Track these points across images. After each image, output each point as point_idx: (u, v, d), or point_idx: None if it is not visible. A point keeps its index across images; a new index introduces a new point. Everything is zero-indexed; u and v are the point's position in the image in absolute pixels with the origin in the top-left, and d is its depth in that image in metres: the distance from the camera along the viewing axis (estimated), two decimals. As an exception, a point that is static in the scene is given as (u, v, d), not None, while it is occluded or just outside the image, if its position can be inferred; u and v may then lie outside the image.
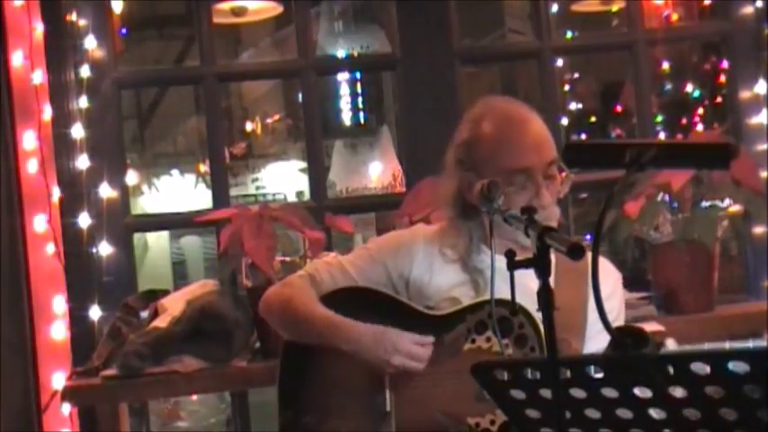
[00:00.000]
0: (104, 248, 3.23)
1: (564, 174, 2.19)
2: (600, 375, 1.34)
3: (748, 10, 3.60)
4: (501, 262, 1.94)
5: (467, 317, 2.13)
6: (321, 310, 2.21)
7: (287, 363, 2.26)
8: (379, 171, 9.03)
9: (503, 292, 1.84)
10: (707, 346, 1.99)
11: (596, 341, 2.12)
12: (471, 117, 2.25)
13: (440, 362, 2.12)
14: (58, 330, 3.11)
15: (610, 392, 1.34)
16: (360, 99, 9.93)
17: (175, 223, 4.91)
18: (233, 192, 7.63)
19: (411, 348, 2.10)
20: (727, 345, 1.99)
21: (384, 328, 2.13)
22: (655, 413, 1.33)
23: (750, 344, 1.96)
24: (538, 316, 1.49)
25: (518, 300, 1.73)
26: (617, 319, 2.25)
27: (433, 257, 2.25)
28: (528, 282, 1.66)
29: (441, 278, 2.23)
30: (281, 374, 2.26)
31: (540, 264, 1.48)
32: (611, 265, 2.34)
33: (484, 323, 2.11)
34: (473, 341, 2.12)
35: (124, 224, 3.38)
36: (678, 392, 1.29)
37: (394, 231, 2.50)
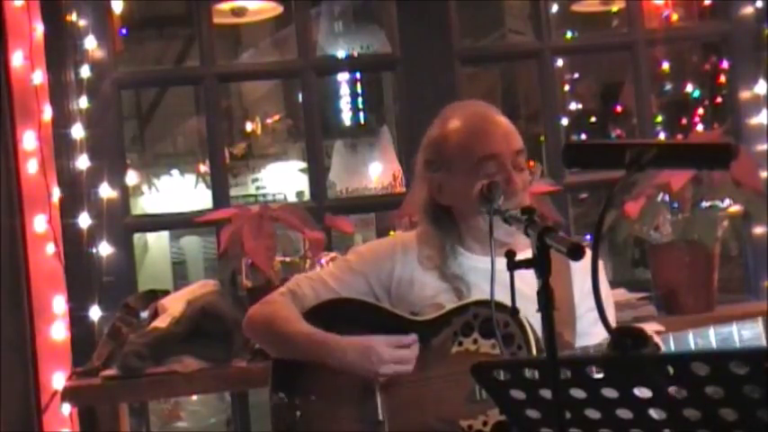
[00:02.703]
0: (104, 248, 3.23)
1: (532, 163, 2.22)
2: (600, 375, 1.34)
3: (748, 10, 3.60)
4: (484, 263, 1.95)
5: (452, 320, 2.13)
6: (304, 327, 2.21)
7: (277, 378, 2.26)
8: (379, 171, 9.02)
9: (487, 293, 1.85)
10: (691, 334, 1.99)
11: (590, 337, 2.13)
12: (438, 119, 2.27)
13: (429, 366, 2.12)
14: (58, 330, 3.11)
15: (610, 392, 1.34)
16: (360, 99, 9.92)
17: (175, 223, 4.91)
18: (233, 192, 7.62)
19: (396, 353, 2.10)
20: (712, 330, 1.98)
21: (367, 339, 2.12)
22: (655, 413, 1.33)
23: (734, 327, 1.96)
24: (537, 315, 1.48)
25: (506, 298, 1.73)
26: (606, 308, 2.25)
27: (413, 266, 2.24)
28: (508, 278, 1.66)
29: (423, 286, 2.22)
30: (272, 390, 2.25)
31: (540, 264, 1.48)
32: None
33: (470, 325, 2.10)
34: (460, 344, 2.11)
35: (124, 224, 3.38)
36: (678, 392, 1.29)
37: (373, 241, 2.51)
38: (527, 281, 1.56)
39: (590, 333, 2.14)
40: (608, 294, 2.33)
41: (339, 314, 2.23)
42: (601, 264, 2.27)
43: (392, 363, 2.10)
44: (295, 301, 2.27)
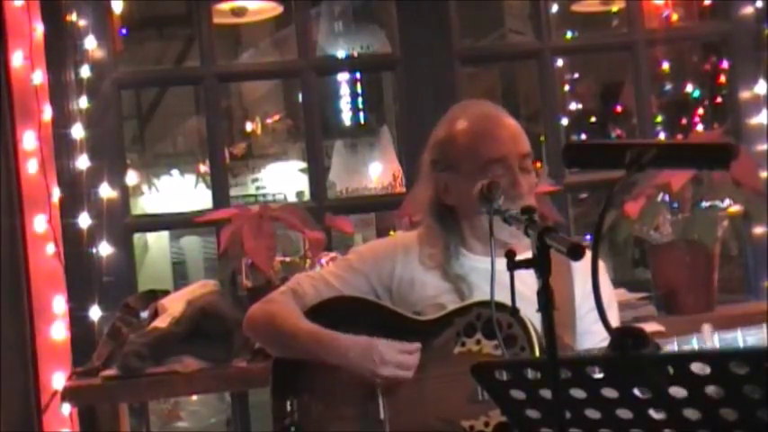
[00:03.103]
0: (104, 248, 3.23)
1: (538, 164, 2.22)
2: (600, 375, 1.34)
3: (748, 10, 3.60)
4: (486, 263, 1.95)
5: (455, 320, 2.12)
6: (306, 324, 2.20)
7: (277, 378, 2.26)
8: (379, 171, 9.03)
9: (488, 294, 1.84)
10: (695, 338, 1.98)
11: (591, 336, 2.12)
12: (445, 119, 2.27)
13: (430, 366, 2.12)
14: (58, 330, 3.11)
15: (610, 392, 1.34)
16: (360, 99, 9.93)
17: (175, 223, 4.91)
18: (233, 192, 7.63)
19: (399, 357, 2.10)
20: (716, 336, 1.98)
21: (370, 339, 2.12)
22: (655, 413, 1.33)
23: (738, 333, 1.96)
24: (537, 316, 1.48)
25: (505, 299, 1.73)
26: (608, 309, 2.25)
27: (413, 266, 2.24)
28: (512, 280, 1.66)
29: (424, 286, 2.22)
30: (273, 390, 2.25)
31: (540, 264, 1.48)
32: None
33: (472, 325, 2.10)
34: (463, 344, 2.11)
35: (124, 224, 3.38)
36: (678, 392, 1.29)
37: (374, 241, 2.51)
38: (527, 283, 1.56)
39: (591, 331, 2.14)
40: (611, 295, 2.33)
41: (340, 313, 2.23)
42: (603, 264, 2.29)
43: (393, 365, 2.09)
44: (296, 300, 2.28)
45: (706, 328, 2.01)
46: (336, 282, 2.28)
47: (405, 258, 2.25)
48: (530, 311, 1.59)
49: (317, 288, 2.28)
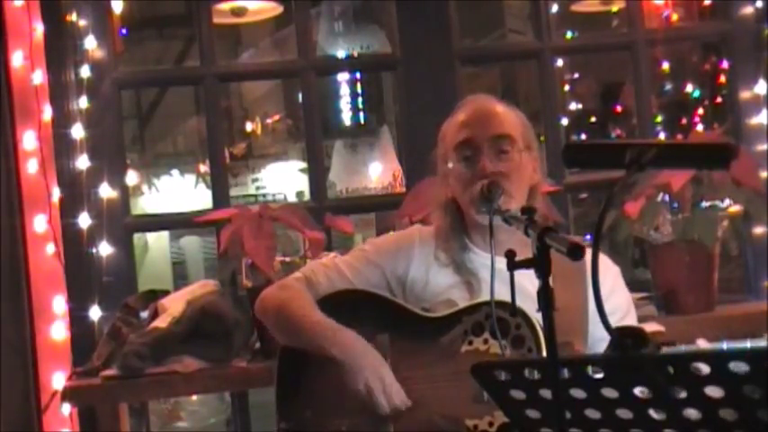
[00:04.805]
0: (104, 248, 3.23)
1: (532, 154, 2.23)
2: (600, 375, 1.34)
3: (748, 10, 3.60)
4: (495, 262, 1.96)
5: (463, 318, 2.13)
6: (316, 315, 2.21)
7: (283, 369, 2.26)
8: (379, 171, 9.03)
9: (499, 292, 1.85)
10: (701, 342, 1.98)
11: (603, 344, 2.12)
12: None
13: (436, 364, 2.12)
14: (58, 330, 3.11)
15: (610, 392, 1.34)
16: (360, 99, 9.93)
17: (175, 223, 4.91)
18: (233, 192, 7.64)
19: (392, 389, 2.10)
20: (725, 345, 1.99)
21: (382, 358, 2.13)
22: (655, 413, 1.33)
23: (747, 344, 1.96)
24: (537, 316, 1.48)
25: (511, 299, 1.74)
26: (626, 316, 2.26)
27: (428, 259, 2.26)
28: (522, 280, 1.66)
29: (436, 281, 2.23)
30: (278, 381, 2.25)
31: (540, 264, 1.48)
32: (608, 259, 2.34)
33: (481, 325, 2.10)
34: (470, 343, 2.11)
35: (124, 224, 3.38)
36: (678, 392, 1.29)
37: (390, 233, 2.51)
38: (536, 284, 1.55)
39: (604, 338, 2.13)
40: (629, 302, 2.32)
41: (349, 306, 2.23)
42: (617, 269, 2.29)
43: (382, 388, 2.09)
44: (309, 289, 2.28)
45: (701, 341, 2.01)
46: (350, 273, 2.28)
47: (421, 254, 2.27)
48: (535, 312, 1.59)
49: (330, 278, 2.29)
